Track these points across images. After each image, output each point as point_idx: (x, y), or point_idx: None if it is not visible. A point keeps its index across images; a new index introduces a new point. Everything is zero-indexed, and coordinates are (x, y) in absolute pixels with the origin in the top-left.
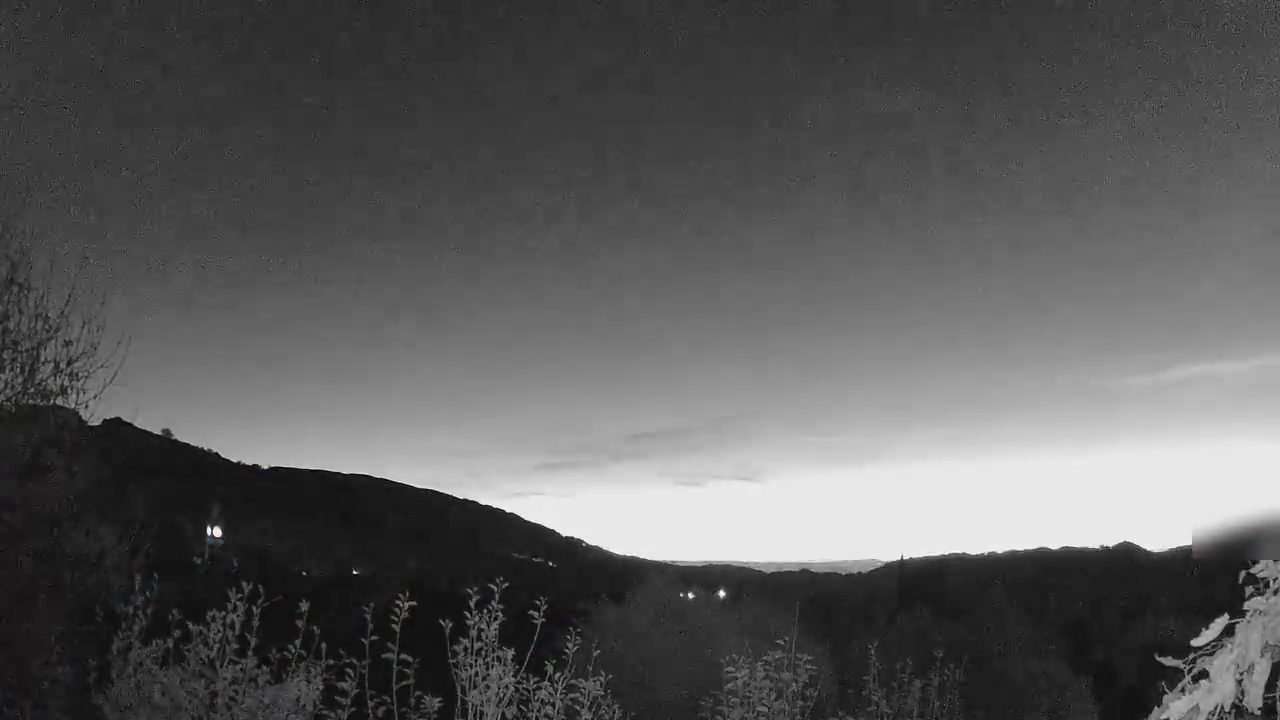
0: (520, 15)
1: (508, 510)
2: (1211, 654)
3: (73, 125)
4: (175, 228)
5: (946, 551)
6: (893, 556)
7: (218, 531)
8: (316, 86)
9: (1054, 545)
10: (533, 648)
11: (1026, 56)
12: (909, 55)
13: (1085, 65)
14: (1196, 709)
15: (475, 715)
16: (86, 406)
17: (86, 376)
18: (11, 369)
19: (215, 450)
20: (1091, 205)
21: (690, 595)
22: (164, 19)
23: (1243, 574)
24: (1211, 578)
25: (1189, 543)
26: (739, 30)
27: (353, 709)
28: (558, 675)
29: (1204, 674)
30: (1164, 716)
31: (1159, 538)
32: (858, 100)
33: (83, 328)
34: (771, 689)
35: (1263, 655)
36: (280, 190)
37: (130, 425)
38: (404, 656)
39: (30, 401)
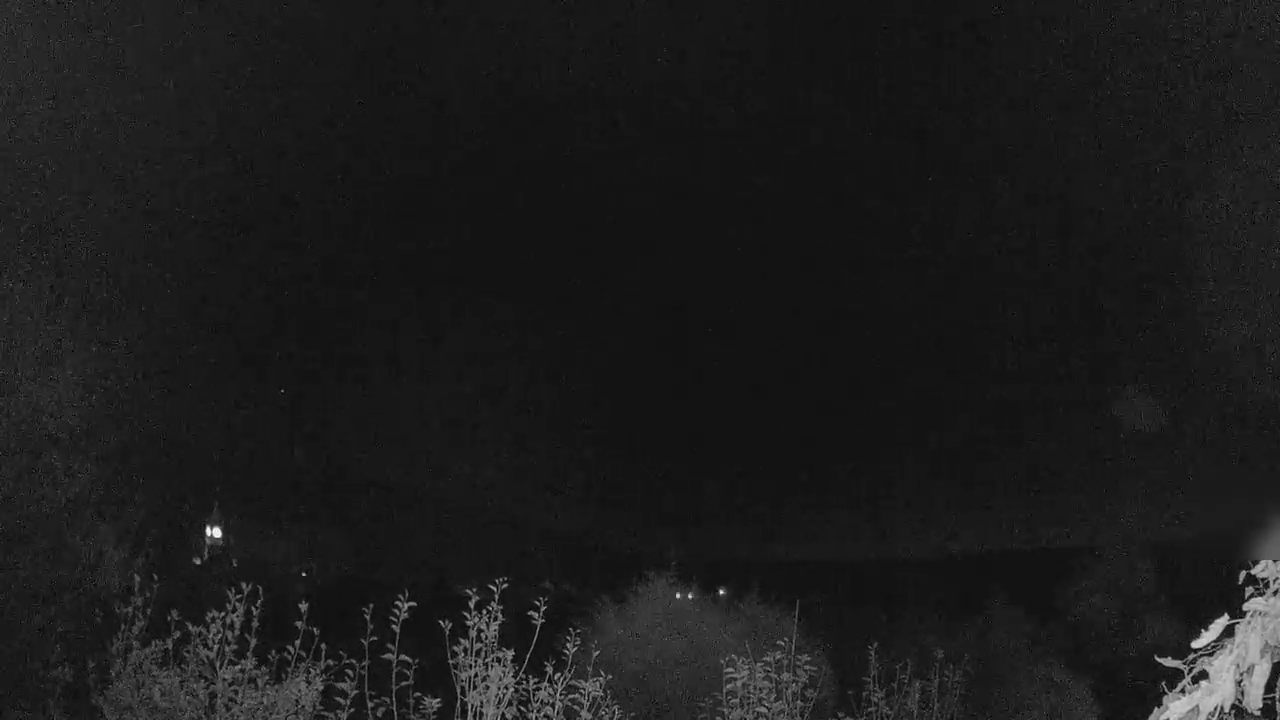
0: None
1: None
2: (1211, 654)
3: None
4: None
5: (946, 549)
6: (894, 553)
7: (218, 531)
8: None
9: (1054, 545)
10: (532, 648)
11: None
12: None
13: None
14: (1196, 709)
15: (475, 716)
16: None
17: None
18: None
19: (218, 449)
20: None
21: (691, 594)
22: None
23: (1243, 574)
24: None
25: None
26: None
27: (352, 709)
28: (557, 676)
29: (1204, 675)
30: (1164, 717)
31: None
32: None
33: None
34: (771, 690)
35: (1262, 656)
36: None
37: (130, 424)
38: (404, 657)
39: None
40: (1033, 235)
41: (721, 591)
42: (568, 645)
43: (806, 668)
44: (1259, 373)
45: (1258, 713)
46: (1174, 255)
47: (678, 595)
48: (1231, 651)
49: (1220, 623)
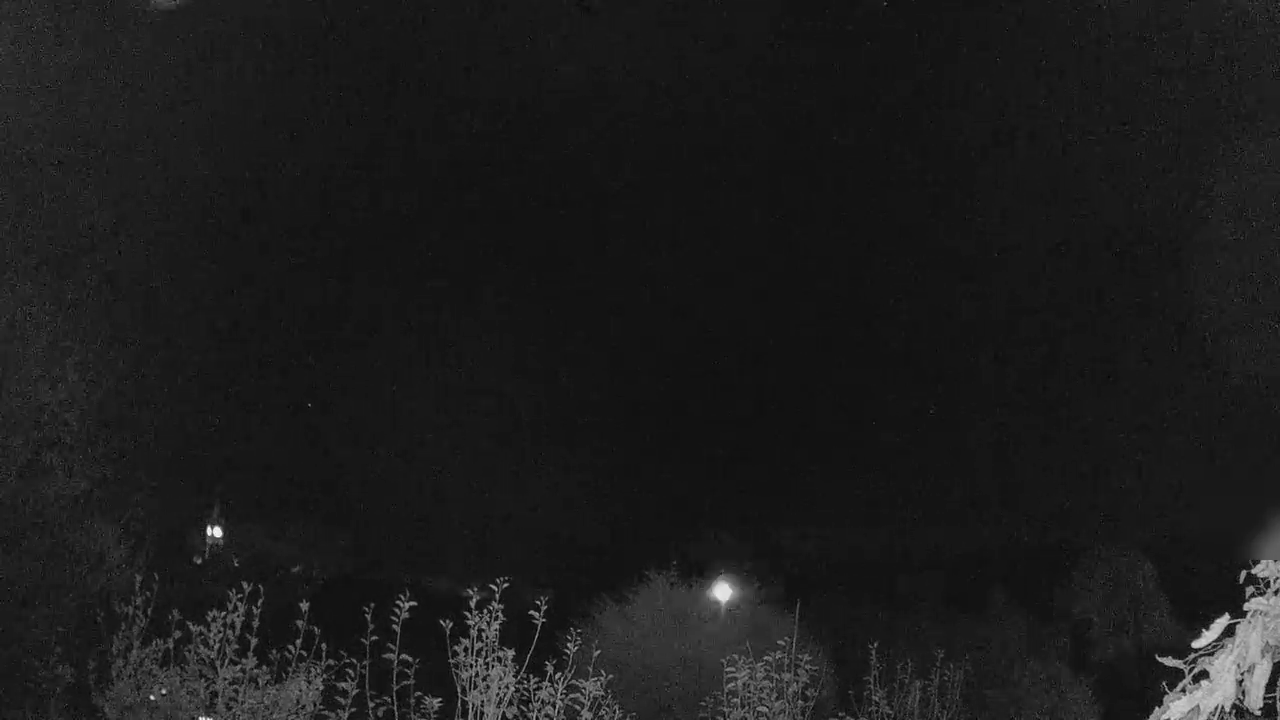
0: None
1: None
2: (1212, 654)
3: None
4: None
5: (946, 548)
6: (894, 552)
7: (218, 531)
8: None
9: (1053, 543)
10: (532, 648)
11: None
12: None
13: None
14: (1197, 709)
15: (476, 715)
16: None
17: None
18: None
19: (218, 449)
20: None
21: (690, 593)
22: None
23: (1243, 574)
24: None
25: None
26: None
27: (353, 709)
28: (558, 675)
29: (1204, 674)
30: (1165, 716)
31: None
32: None
33: None
34: (772, 689)
35: (1263, 655)
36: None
37: (131, 424)
38: (404, 656)
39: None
40: (1033, 234)
41: (723, 590)
42: (568, 645)
43: (807, 667)
44: (1260, 372)
45: (1259, 712)
46: (1176, 254)
47: (678, 594)
48: (1232, 651)
49: (1221, 622)
